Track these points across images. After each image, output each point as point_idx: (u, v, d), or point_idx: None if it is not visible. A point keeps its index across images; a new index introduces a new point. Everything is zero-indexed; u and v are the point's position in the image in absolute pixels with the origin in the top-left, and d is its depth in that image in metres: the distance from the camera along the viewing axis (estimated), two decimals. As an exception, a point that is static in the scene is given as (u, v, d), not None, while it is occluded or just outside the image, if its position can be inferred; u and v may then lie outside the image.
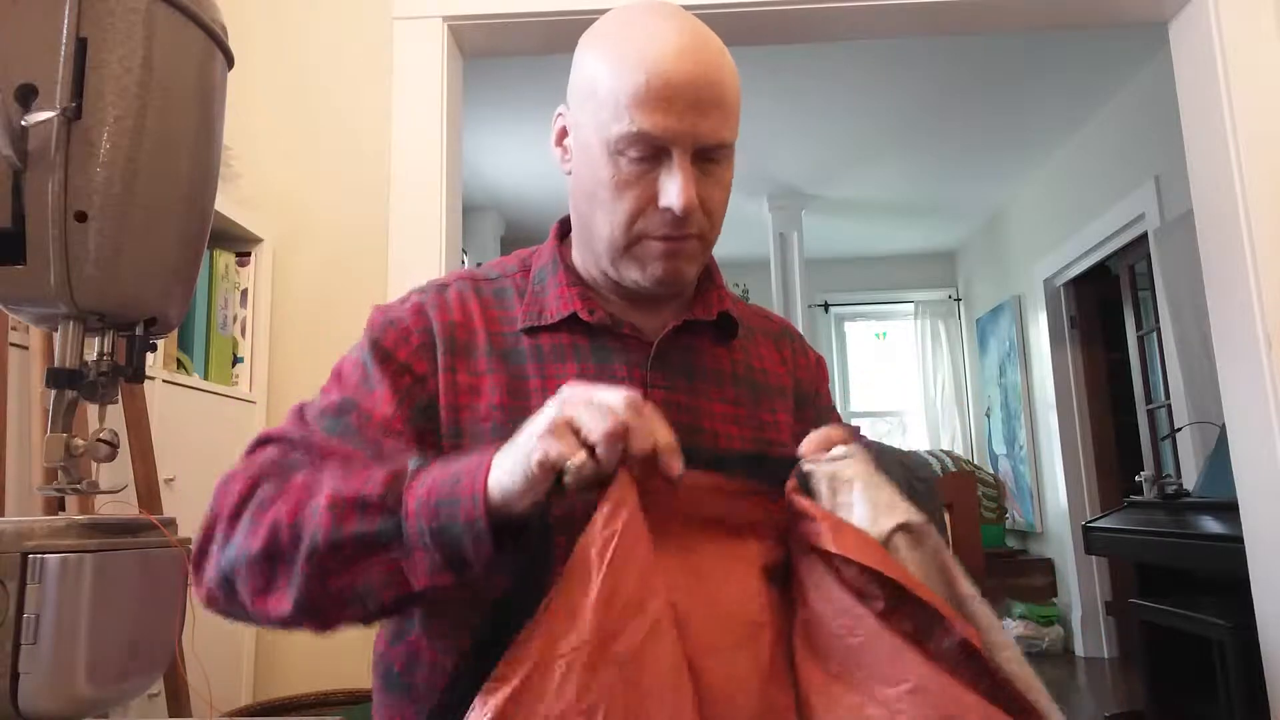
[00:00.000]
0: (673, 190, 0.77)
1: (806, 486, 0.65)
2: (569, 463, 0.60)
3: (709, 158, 0.80)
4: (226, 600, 0.72)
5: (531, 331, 0.86)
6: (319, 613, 0.68)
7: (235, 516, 0.71)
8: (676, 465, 0.63)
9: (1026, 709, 0.57)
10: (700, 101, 0.77)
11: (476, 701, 0.55)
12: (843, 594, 0.59)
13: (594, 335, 0.86)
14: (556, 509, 0.63)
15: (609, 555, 0.57)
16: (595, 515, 0.60)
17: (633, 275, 0.84)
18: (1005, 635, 0.60)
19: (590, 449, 0.61)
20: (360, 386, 0.82)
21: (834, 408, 1.05)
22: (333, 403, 0.81)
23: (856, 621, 0.58)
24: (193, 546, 0.73)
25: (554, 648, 0.55)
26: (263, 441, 0.81)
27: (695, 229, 0.81)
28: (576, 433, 0.62)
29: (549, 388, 0.81)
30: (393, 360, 0.83)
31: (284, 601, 0.68)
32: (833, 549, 0.59)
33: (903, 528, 0.60)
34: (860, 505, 0.62)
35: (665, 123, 0.76)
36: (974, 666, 0.56)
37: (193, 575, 0.73)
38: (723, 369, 0.91)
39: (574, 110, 0.84)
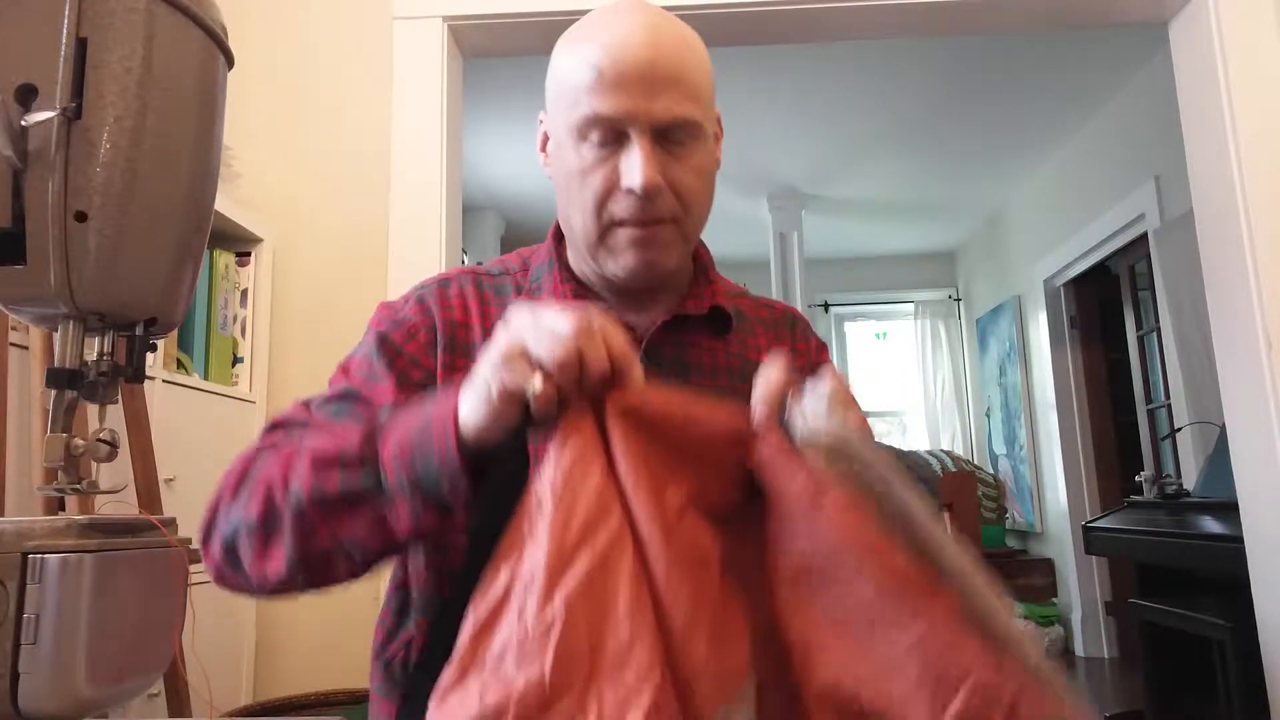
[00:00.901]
0: (632, 170, 0.78)
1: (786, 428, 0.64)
2: (528, 391, 0.60)
3: (673, 139, 0.80)
4: (232, 571, 0.73)
5: None
6: (312, 569, 0.69)
7: (235, 489, 0.72)
8: (636, 373, 0.64)
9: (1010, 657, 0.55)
10: (654, 80, 0.77)
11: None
12: (828, 530, 0.59)
13: None
14: (532, 442, 0.65)
15: (560, 485, 0.58)
16: (549, 448, 0.60)
17: (610, 267, 0.84)
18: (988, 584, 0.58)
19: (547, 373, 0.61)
20: (366, 380, 0.84)
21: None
22: (337, 392, 0.83)
23: (844, 561, 0.58)
24: (200, 525, 0.74)
25: (514, 578, 0.56)
26: (269, 429, 0.83)
27: (665, 213, 0.81)
28: (529, 359, 0.62)
29: None
30: (401, 355, 0.85)
31: (279, 561, 0.69)
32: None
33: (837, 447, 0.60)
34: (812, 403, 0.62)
35: (617, 102, 0.77)
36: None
37: (202, 551, 0.74)
38: (718, 363, 0.91)
39: (549, 110, 0.87)
